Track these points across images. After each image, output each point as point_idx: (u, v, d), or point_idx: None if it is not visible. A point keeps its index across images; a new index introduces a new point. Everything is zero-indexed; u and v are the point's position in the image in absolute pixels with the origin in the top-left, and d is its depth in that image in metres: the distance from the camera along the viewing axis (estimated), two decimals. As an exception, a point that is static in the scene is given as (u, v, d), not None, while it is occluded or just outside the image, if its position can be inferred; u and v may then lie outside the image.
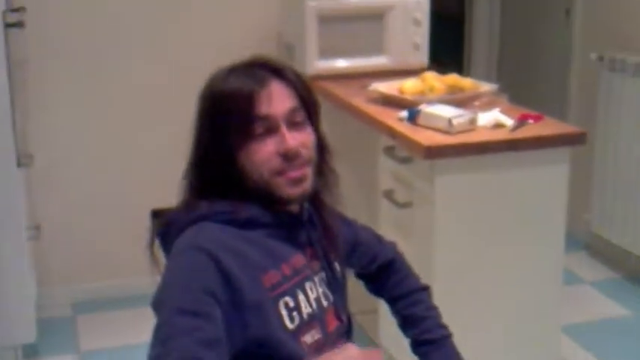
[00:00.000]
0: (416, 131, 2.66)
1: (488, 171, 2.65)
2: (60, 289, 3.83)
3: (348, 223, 1.86)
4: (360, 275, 1.92)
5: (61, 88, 3.68)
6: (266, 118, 1.55)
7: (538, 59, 5.15)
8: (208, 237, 1.51)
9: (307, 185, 1.59)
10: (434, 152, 2.55)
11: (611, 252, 4.19)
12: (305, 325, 1.56)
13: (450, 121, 2.62)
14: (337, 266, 1.72)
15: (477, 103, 2.96)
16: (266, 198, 1.58)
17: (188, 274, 1.46)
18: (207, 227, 1.53)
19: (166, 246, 1.59)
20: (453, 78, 3.08)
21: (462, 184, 2.63)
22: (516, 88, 3.98)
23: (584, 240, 4.37)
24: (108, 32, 3.71)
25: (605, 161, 4.08)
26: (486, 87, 3.11)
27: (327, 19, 3.43)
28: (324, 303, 1.63)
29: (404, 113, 2.78)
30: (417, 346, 1.79)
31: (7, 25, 2.86)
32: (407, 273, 1.90)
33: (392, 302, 1.87)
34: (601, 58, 4.06)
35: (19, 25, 3.03)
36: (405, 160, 2.73)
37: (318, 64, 3.45)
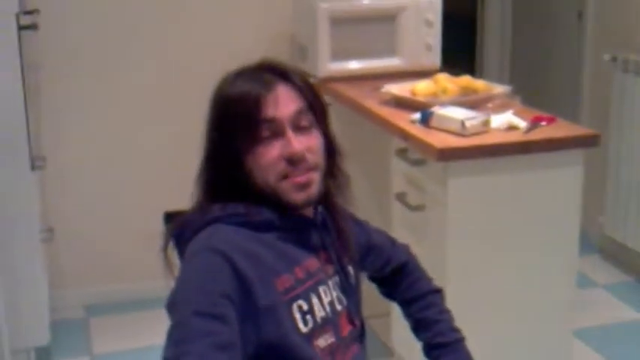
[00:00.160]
0: (428, 133, 2.66)
1: (502, 173, 2.64)
2: (73, 291, 3.84)
3: (362, 225, 1.85)
4: (373, 278, 1.91)
5: (73, 90, 3.69)
6: (272, 121, 1.55)
7: (550, 61, 5.14)
8: (223, 239, 1.51)
9: (313, 191, 1.59)
10: (447, 154, 2.54)
11: (625, 255, 4.17)
12: (318, 329, 1.55)
13: (462, 123, 2.61)
14: (351, 270, 1.71)
15: (490, 105, 2.95)
16: (274, 202, 1.58)
17: (203, 276, 1.45)
18: (222, 229, 1.53)
19: (180, 248, 1.59)
20: (465, 80, 3.07)
21: (474, 187, 2.62)
22: (528, 90, 3.96)
23: (597, 243, 4.35)
24: (121, 35, 3.72)
25: (619, 163, 4.07)
26: (499, 89, 3.10)
27: (339, 21, 3.43)
28: (338, 307, 1.62)
29: (416, 115, 2.77)
30: (429, 349, 1.79)
31: (21, 28, 2.86)
32: (420, 275, 1.89)
33: (405, 305, 1.86)
34: (614, 59, 4.04)
35: (32, 27, 3.03)
36: (417, 163, 2.73)
37: (330, 66, 3.45)
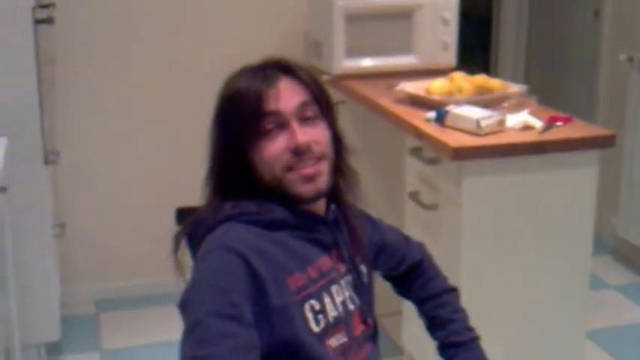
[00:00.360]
0: (443, 132, 2.64)
1: (517, 173, 2.62)
2: (83, 287, 3.84)
3: (375, 223, 1.84)
4: (387, 277, 1.90)
5: (87, 85, 3.69)
6: (275, 114, 1.54)
7: (566, 60, 5.12)
8: (236, 237, 1.50)
9: (321, 183, 1.58)
10: (461, 154, 2.52)
11: (637, 256, 4.15)
12: (331, 329, 1.54)
13: (478, 122, 2.60)
14: (363, 268, 1.70)
15: (505, 104, 2.93)
16: (282, 197, 1.57)
17: (219, 275, 1.44)
18: (234, 228, 1.52)
19: (193, 247, 1.58)
20: (481, 79, 3.05)
21: (489, 186, 2.60)
22: (544, 90, 3.94)
23: (610, 244, 4.32)
24: (136, 30, 3.72)
25: (633, 164, 4.04)
26: (515, 88, 3.08)
27: (354, 18, 3.42)
28: (351, 306, 1.61)
29: (431, 114, 2.76)
30: (443, 348, 1.77)
31: (37, 22, 2.86)
32: (435, 274, 1.88)
33: (419, 304, 1.85)
34: (630, 59, 4.02)
35: (48, 21, 3.03)
36: (432, 162, 2.71)
37: (345, 63, 3.43)
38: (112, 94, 3.74)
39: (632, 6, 4.20)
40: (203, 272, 1.47)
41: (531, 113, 2.75)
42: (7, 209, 2.62)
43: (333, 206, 1.65)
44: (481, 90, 2.99)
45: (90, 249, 3.84)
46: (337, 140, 1.63)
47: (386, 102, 3.05)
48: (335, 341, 1.55)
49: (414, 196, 2.85)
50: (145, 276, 3.85)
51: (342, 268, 1.64)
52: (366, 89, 3.26)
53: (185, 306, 1.44)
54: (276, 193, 1.57)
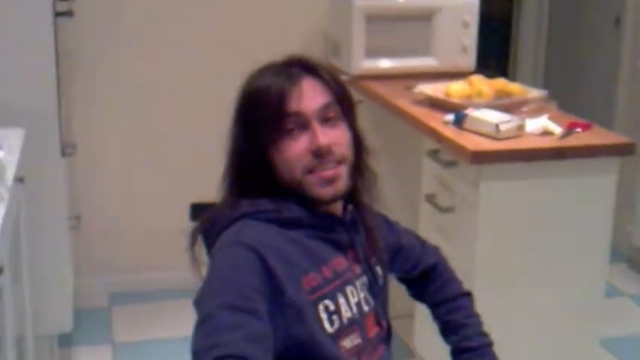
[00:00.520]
0: (462, 135, 2.63)
1: (535, 178, 2.61)
2: (97, 279, 3.84)
3: (392, 226, 1.84)
4: (402, 279, 1.89)
5: (106, 78, 3.70)
6: (297, 115, 1.53)
7: (586, 67, 5.09)
8: (252, 234, 1.49)
9: (340, 185, 1.57)
10: (480, 157, 2.51)
11: (654, 265, 4.13)
12: (345, 330, 1.54)
13: (497, 126, 2.58)
14: (379, 270, 1.70)
15: (525, 109, 2.91)
16: (300, 197, 1.56)
17: (234, 270, 1.44)
18: (250, 225, 1.52)
19: (208, 243, 1.58)
20: (501, 82, 3.04)
21: (507, 191, 2.59)
22: (563, 95, 3.92)
23: (625, 252, 4.30)
24: (155, 25, 3.72)
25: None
26: (535, 93, 3.07)
27: (374, 19, 3.41)
28: (365, 308, 1.61)
29: (450, 116, 2.75)
30: (457, 353, 1.77)
31: (57, 14, 2.86)
32: (449, 278, 1.87)
33: (433, 307, 1.84)
34: (651, 67, 4.00)
35: (68, 14, 3.03)
36: (449, 165, 2.70)
37: (363, 64, 3.43)
38: (130, 88, 3.74)
39: (654, 13, 4.18)
40: (217, 267, 1.47)
41: (551, 118, 2.74)
42: (24, 200, 2.63)
43: (350, 207, 1.65)
44: (500, 94, 2.98)
45: (105, 242, 3.85)
46: (357, 141, 1.63)
47: (404, 103, 3.04)
48: (349, 342, 1.54)
49: (431, 198, 2.84)
50: (158, 270, 3.85)
51: (358, 269, 1.63)
52: (383, 90, 3.25)
53: (200, 300, 1.43)
54: (294, 193, 1.56)
